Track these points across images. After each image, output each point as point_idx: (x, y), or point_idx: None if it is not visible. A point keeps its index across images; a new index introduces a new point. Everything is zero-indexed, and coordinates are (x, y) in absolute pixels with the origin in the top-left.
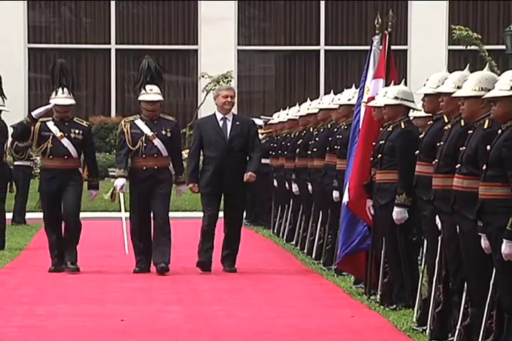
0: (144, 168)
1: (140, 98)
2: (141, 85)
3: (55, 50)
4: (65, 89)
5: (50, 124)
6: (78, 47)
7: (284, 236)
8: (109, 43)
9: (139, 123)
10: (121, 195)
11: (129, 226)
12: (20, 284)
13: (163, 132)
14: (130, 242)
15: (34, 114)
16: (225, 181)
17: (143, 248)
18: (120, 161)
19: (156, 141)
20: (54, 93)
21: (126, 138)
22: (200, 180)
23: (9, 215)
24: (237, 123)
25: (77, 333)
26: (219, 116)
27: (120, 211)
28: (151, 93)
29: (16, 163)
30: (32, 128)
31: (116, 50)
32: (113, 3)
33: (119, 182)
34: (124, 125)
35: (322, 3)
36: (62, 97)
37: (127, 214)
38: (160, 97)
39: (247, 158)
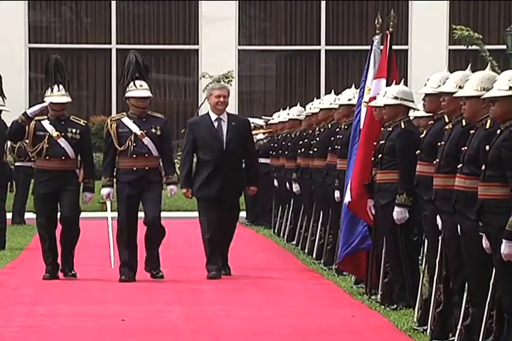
0: (135, 168)
1: (129, 94)
2: (129, 81)
3: (56, 50)
4: (61, 86)
5: (46, 123)
6: (79, 47)
7: (285, 236)
8: (110, 43)
9: (127, 121)
10: (109, 203)
11: (115, 230)
12: (20, 284)
13: (153, 130)
14: (117, 254)
15: (29, 112)
16: (221, 185)
17: (128, 255)
18: (105, 168)
19: (146, 140)
20: (49, 90)
21: (112, 139)
22: (194, 184)
23: (9, 215)
24: (233, 123)
25: (77, 333)
26: (213, 116)
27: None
28: (141, 89)
29: (16, 163)
30: (27, 127)
31: (117, 49)
32: (114, 3)
33: (104, 191)
34: (110, 124)
35: (323, 3)
36: (57, 95)
37: (114, 214)
38: (150, 93)
39: (243, 160)
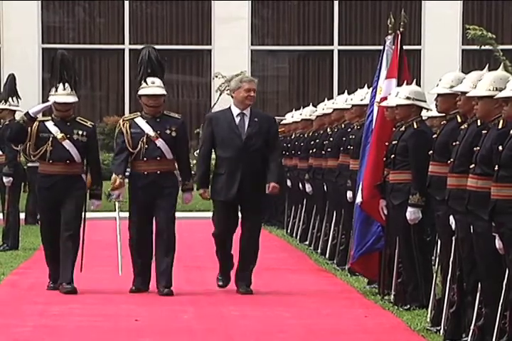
0: (145, 172)
1: (140, 92)
2: (142, 78)
3: (69, 51)
4: (67, 85)
5: (50, 124)
6: (92, 48)
7: (298, 236)
8: (123, 43)
9: (140, 121)
10: (118, 204)
11: (128, 239)
12: (34, 284)
13: (167, 131)
14: (124, 260)
15: (31, 112)
16: (241, 186)
17: (141, 265)
18: (118, 166)
19: (159, 142)
20: (54, 89)
21: (125, 139)
22: (213, 185)
23: (22, 215)
24: (256, 119)
25: (91, 333)
26: (235, 111)
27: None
28: (153, 86)
29: (29, 164)
30: (29, 128)
31: (130, 50)
32: (127, 3)
33: (114, 191)
34: (123, 124)
35: (335, 3)
36: (63, 94)
37: (122, 214)
38: (163, 91)
39: (266, 159)
